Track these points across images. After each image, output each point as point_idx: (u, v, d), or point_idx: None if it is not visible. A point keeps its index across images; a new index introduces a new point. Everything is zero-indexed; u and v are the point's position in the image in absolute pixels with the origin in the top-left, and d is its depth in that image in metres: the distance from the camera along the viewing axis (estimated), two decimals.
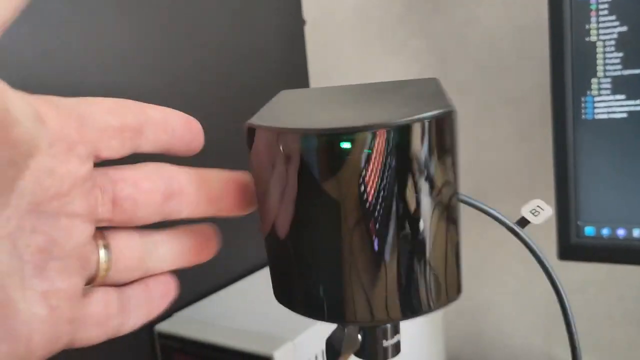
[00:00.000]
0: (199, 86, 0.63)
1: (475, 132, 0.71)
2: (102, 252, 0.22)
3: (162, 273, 0.25)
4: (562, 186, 0.55)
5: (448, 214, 0.26)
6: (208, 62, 0.64)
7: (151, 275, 0.24)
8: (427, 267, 0.26)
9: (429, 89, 0.28)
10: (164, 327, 0.56)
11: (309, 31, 0.80)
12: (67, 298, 0.20)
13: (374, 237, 0.25)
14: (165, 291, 0.25)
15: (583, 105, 0.53)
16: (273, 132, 0.25)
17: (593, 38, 0.52)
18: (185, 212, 0.24)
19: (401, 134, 0.23)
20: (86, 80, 0.51)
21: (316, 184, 0.24)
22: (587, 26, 0.52)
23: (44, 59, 0.48)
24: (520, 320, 0.72)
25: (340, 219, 0.24)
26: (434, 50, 0.72)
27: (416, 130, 0.23)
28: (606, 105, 0.52)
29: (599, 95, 0.52)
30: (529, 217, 0.33)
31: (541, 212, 0.33)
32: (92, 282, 0.22)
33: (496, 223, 0.33)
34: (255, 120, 0.27)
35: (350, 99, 0.29)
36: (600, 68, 0.52)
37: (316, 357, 0.52)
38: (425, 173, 0.24)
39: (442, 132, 0.24)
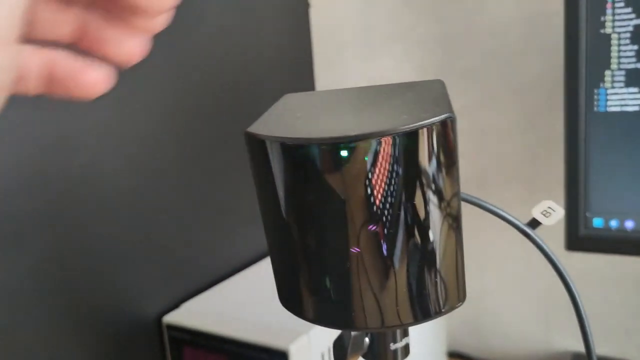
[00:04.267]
0: (204, 68, 0.61)
1: (479, 121, 0.70)
2: None
3: None
4: (572, 177, 0.55)
5: (453, 219, 0.26)
6: (212, 45, 0.62)
7: None
8: (437, 271, 0.26)
9: (432, 93, 0.28)
10: (172, 318, 0.55)
11: (313, 14, 0.78)
12: None
13: (382, 242, 0.25)
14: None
15: (595, 97, 0.53)
16: (271, 141, 0.25)
17: (608, 30, 0.52)
18: None
19: (400, 142, 0.23)
20: None
21: (318, 192, 0.24)
22: (602, 18, 0.52)
23: None
24: (519, 308, 0.73)
25: (347, 225, 0.24)
26: (440, 37, 0.71)
27: (416, 137, 0.23)
28: (619, 97, 0.52)
29: (612, 87, 0.52)
30: (540, 218, 0.33)
31: (552, 213, 0.33)
32: None
33: None
34: (256, 127, 0.26)
35: (352, 104, 0.28)
36: (614, 60, 0.52)
37: (329, 350, 0.52)
38: (427, 179, 0.24)
39: (443, 138, 0.24)
